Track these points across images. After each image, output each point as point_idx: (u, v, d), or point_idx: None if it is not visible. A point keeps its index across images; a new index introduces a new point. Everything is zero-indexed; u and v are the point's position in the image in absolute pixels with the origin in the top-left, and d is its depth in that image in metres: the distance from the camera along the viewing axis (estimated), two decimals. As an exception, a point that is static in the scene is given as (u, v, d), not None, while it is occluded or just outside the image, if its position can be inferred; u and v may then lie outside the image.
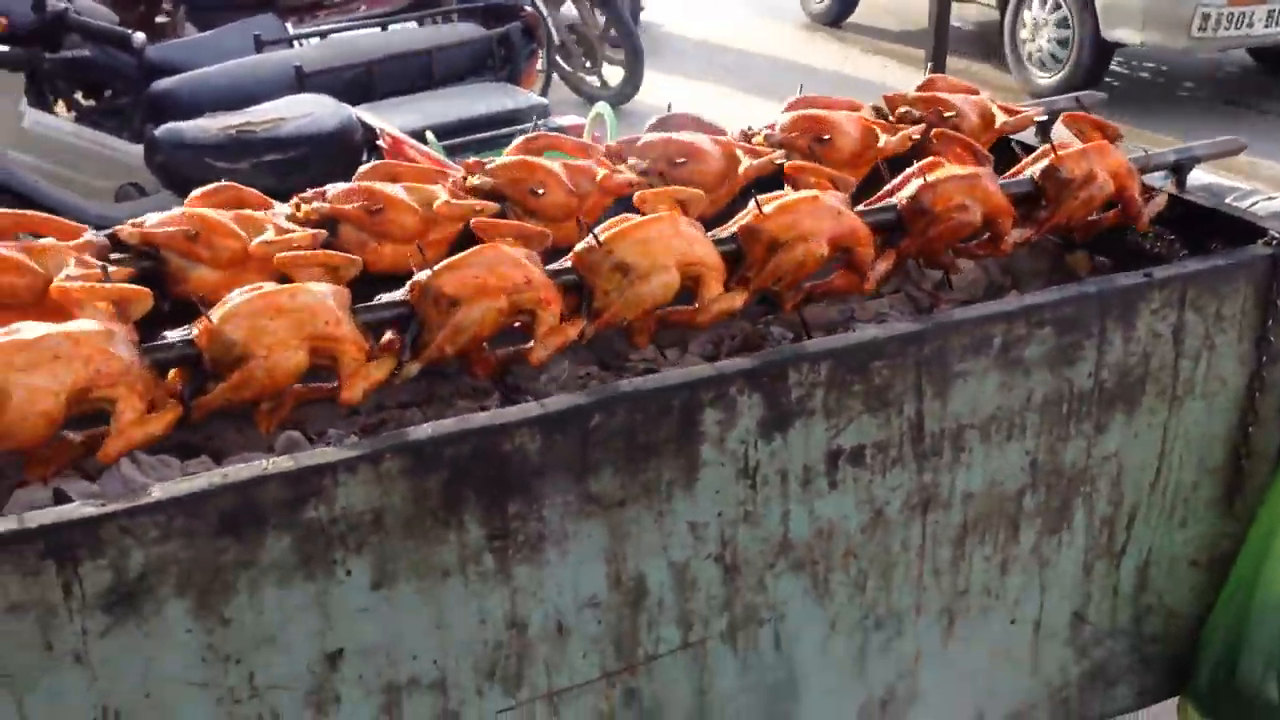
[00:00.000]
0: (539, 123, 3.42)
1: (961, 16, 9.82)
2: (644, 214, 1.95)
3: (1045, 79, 8.19)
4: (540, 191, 2.07)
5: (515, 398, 2.20)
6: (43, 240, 1.83)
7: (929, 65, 6.49)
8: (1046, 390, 2.00)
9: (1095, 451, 2.09)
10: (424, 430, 1.61)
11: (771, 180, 2.40)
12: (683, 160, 2.25)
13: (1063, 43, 8.11)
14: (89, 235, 1.90)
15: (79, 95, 5.46)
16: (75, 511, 1.44)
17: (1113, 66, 8.50)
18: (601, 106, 3.63)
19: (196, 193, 2.05)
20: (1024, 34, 8.37)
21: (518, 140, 2.26)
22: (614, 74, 7.83)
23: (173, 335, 1.67)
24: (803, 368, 1.80)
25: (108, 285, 1.58)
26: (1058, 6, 8.11)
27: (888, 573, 2.00)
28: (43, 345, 1.51)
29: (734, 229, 2.00)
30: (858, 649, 2.01)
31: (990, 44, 9.22)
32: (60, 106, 5.48)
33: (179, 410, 1.65)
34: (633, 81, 7.58)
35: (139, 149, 4.00)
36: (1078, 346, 2.01)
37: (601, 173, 2.18)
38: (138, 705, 1.52)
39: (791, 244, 1.95)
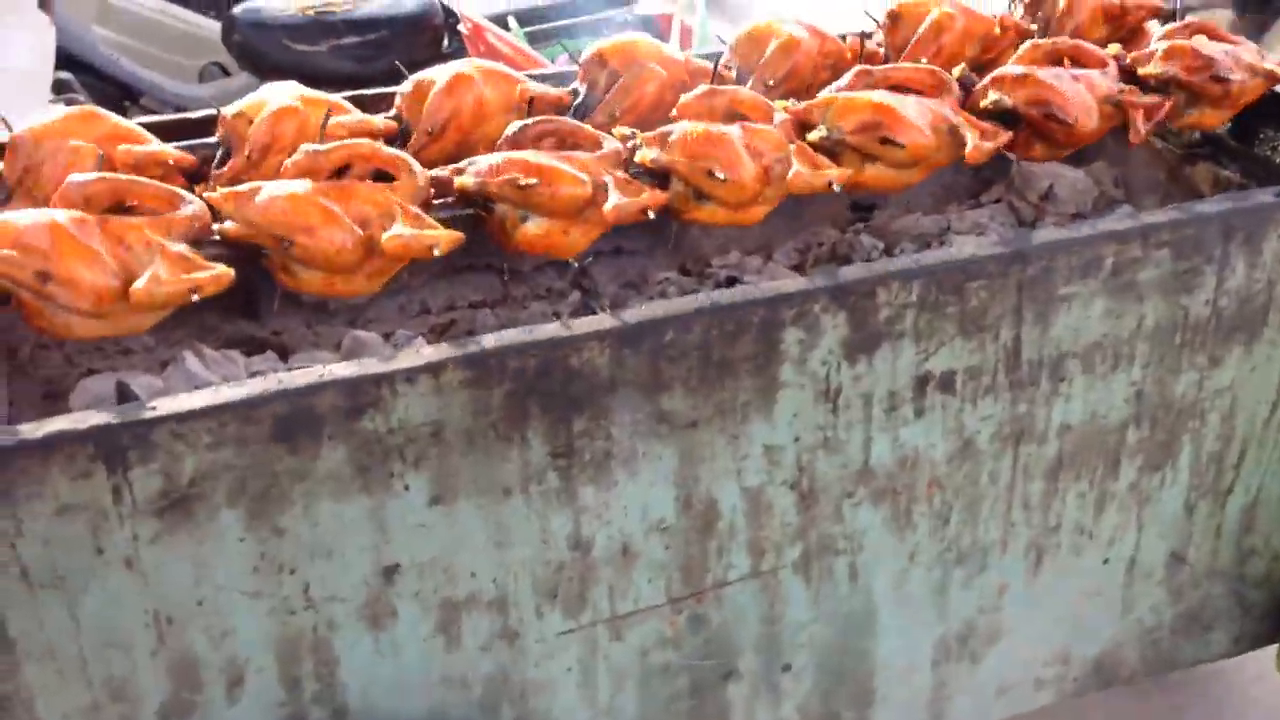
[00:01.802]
0: (626, 11, 3.26)
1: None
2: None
3: None
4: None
5: (591, 302, 2.11)
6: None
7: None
8: (1159, 318, 1.85)
9: (1208, 384, 1.94)
10: (487, 341, 1.53)
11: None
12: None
13: None
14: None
15: (165, -29, 5.40)
16: (127, 414, 1.39)
17: None
18: (693, -6, 3.45)
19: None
20: None
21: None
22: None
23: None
24: (893, 286, 1.67)
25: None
26: None
27: (974, 506, 1.89)
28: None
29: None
30: (938, 583, 1.92)
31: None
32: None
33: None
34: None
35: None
36: (1196, 271, 1.85)
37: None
38: (190, 612, 1.48)
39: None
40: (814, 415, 1.71)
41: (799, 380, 1.68)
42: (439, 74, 1.87)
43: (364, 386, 1.46)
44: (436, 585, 1.60)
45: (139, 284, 1.46)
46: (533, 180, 1.61)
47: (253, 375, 1.93)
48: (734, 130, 1.74)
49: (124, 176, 1.60)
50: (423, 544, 1.57)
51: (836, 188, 1.81)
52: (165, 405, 1.41)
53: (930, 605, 1.93)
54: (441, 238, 1.57)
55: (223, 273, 1.52)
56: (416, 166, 1.66)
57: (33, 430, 1.35)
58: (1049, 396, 1.84)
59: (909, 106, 1.85)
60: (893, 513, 1.84)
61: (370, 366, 1.48)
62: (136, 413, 1.39)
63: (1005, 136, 1.94)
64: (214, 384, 1.90)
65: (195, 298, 1.50)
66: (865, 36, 2.19)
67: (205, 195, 1.60)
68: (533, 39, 3.41)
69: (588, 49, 1.98)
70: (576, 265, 2.21)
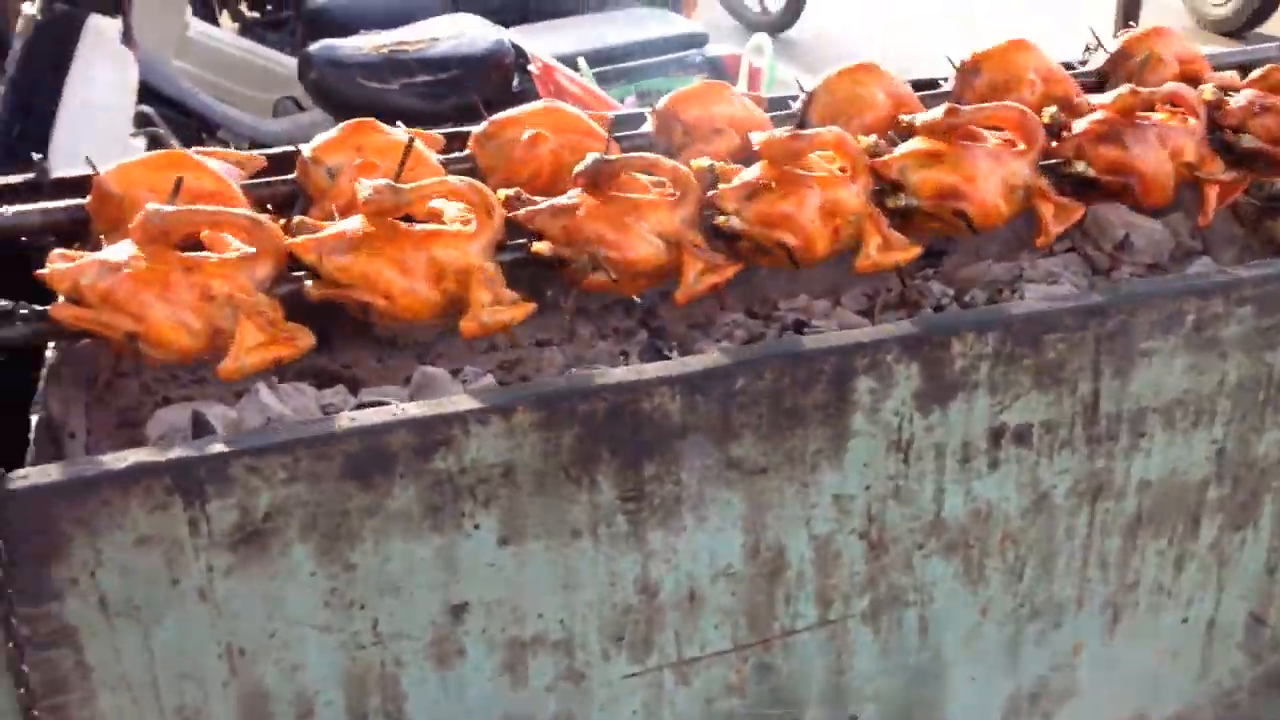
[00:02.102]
0: (695, 53, 3.27)
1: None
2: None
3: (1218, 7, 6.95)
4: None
5: (659, 343, 2.11)
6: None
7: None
8: (1242, 375, 1.81)
9: (1292, 443, 1.89)
10: (559, 383, 1.53)
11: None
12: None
13: None
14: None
15: (243, 6, 5.53)
16: (203, 448, 1.41)
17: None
18: (760, 38, 3.45)
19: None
20: None
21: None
22: (775, -1, 7.54)
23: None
24: (968, 338, 1.65)
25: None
26: None
27: (1048, 561, 1.85)
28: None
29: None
30: (1010, 639, 1.88)
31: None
32: (225, 17, 5.55)
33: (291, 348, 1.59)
34: (795, 6, 7.28)
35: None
36: (1281, 327, 1.81)
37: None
38: (262, 645, 1.49)
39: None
40: (885, 465, 1.69)
41: (870, 430, 1.66)
42: (516, 121, 1.87)
43: (436, 426, 1.47)
44: (504, 625, 1.60)
45: (227, 363, 1.51)
46: (612, 275, 1.63)
47: (324, 408, 1.95)
48: (813, 195, 1.72)
49: (204, 209, 1.61)
50: (491, 584, 1.57)
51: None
52: (241, 440, 1.42)
53: (1002, 661, 1.89)
54: (517, 314, 1.61)
55: (304, 341, 1.54)
56: (496, 205, 1.66)
57: (114, 461, 1.37)
58: (1128, 452, 1.80)
59: (988, 173, 1.81)
60: (965, 566, 1.81)
61: (443, 406, 1.48)
62: (213, 446, 1.41)
63: (1078, 214, 1.90)
64: (286, 415, 1.93)
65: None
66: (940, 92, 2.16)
67: (289, 243, 1.61)
68: (602, 79, 3.43)
69: (661, 101, 1.98)
70: (643, 304, 2.21)
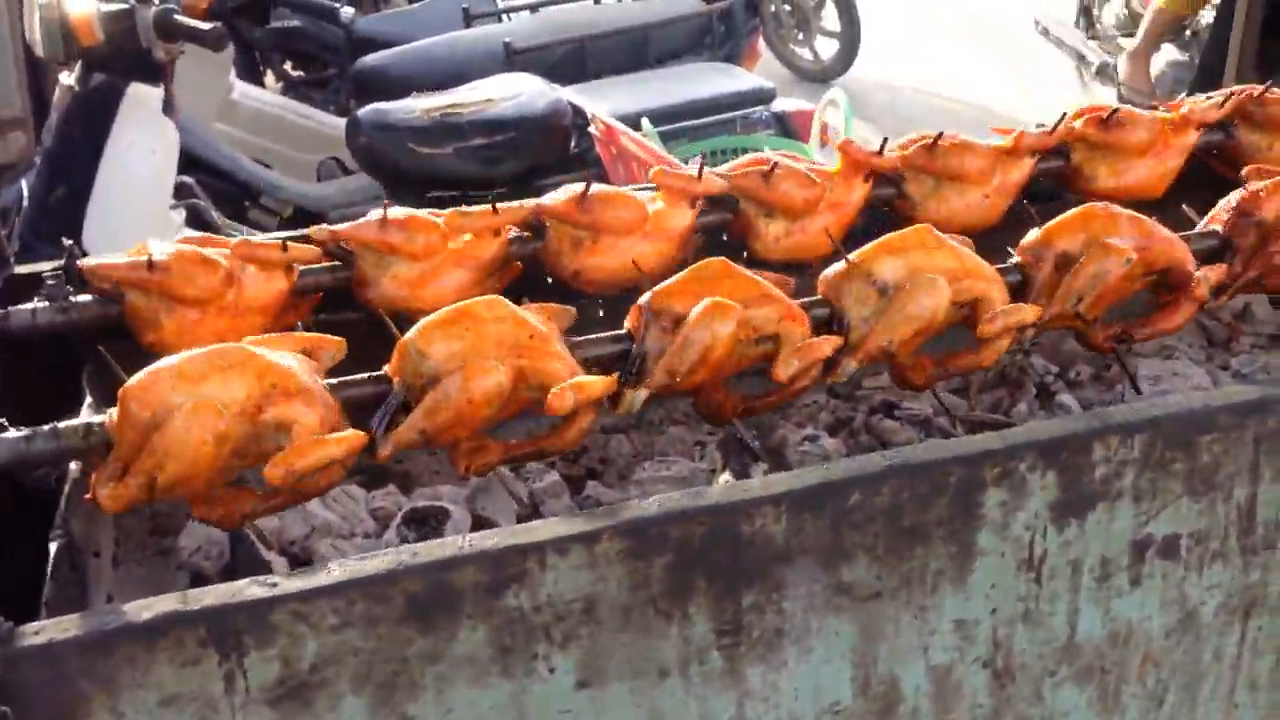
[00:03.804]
0: (762, 110, 3.10)
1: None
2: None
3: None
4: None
5: (738, 432, 1.91)
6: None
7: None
8: None
9: None
10: (649, 507, 1.34)
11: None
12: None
13: None
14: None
15: (288, 66, 5.44)
16: (243, 593, 1.22)
17: None
18: (835, 92, 3.28)
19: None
20: None
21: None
22: (827, 46, 7.36)
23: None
24: (1112, 442, 1.45)
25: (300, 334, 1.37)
26: None
27: (1193, 685, 1.63)
28: (215, 356, 1.31)
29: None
30: (1149, 774, 1.66)
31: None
32: (270, 77, 5.47)
33: (363, 437, 1.37)
34: (847, 55, 7.11)
35: (343, 123, 3.86)
36: None
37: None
38: (306, 811, 1.30)
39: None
40: (1014, 585, 1.49)
41: (999, 547, 1.46)
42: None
43: (509, 559, 1.28)
44: (581, 779, 1.40)
45: None
46: None
47: (373, 512, 1.78)
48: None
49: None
50: (568, 733, 1.37)
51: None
52: (285, 583, 1.24)
53: (1141, 800, 1.67)
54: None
55: None
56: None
57: (138, 611, 1.19)
58: (1287, 563, 1.59)
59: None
60: (1100, 693, 1.60)
61: (517, 536, 1.30)
62: (252, 591, 1.22)
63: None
64: (332, 522, 1.75)
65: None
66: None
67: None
68: (666, 139, 3.26)
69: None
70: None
